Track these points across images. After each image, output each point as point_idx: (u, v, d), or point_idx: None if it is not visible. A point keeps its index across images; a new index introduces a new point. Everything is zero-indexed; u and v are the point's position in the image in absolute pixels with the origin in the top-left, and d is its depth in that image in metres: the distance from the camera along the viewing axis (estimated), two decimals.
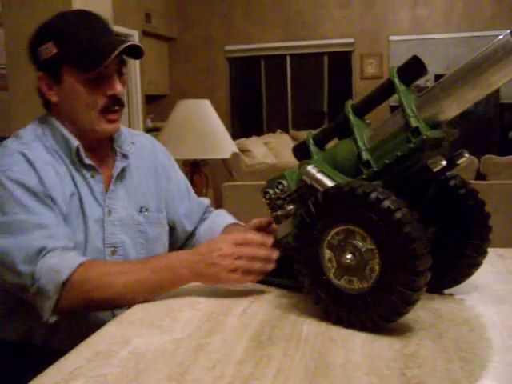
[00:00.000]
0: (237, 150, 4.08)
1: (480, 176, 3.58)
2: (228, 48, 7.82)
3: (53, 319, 1.18)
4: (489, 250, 1.14)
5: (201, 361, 0.85)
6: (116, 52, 1.28)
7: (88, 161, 1.36)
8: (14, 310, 1.36)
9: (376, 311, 0.92)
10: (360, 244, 0.94)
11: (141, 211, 1.46)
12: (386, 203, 0.89)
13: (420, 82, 1.03)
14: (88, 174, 1.37)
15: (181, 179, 1.63)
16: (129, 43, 1.31)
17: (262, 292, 1.19)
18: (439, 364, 0.82)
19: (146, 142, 1.57)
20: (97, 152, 1.41)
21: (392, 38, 7.36)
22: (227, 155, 3.87)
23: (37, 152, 1.31)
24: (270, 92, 8.07)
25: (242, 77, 8.20)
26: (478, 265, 1.12)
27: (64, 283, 1.14)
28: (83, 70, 1.30)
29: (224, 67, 7.89)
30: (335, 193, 0.96)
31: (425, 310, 1.05)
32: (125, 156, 1.45)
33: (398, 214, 0.88)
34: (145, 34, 7.01)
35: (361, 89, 7.32)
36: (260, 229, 1.31)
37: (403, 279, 0.89)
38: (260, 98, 8.06)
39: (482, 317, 1.05)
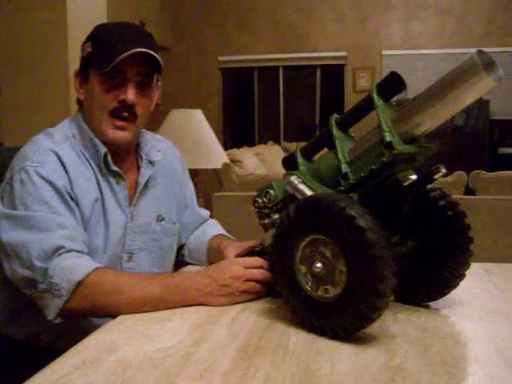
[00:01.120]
0: (228, 161, 4.08)
1: (469, 191, 3.60)
2: (221, 58, 7.84)
3: (57, 320, 1.17)
4: (476, 264, 1.15)
5: (188, 370, 0.86)
6: (125, 54, 1.28)
7: (114, 167, 1.37)
8: (23, 310, 1.36)
9: (345, 318, 0.94)
10: (328, 252, 0.97)
11: (158, 220, 1.47)
12: (349, 212, 0.91)
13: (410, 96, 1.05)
14: (113, 180, 1.38)
15: (189, 189, 1.65)
16: (140, 49, 1.30)
17: (250, 302, 1.19)
18: (424, 377, 0.83)
19: (166, 148, 1.59)
20: (123, 158, 1.42)
21: (384, 52, 7.40)
22: (218, 165, 3.88)
23: (67, 153, 1.32)
24: (262, 103, 8.08)
25: (234, 87, 8.22)
26: (461, 276, 1.14)
27: (78, 283, 1.14)
28: (97, 66, 1.32)
29: (217, 78, 7.91)
30: (304, 203, 1.00)
31: (411, 324, 1.06)
32: (151, 163, 1.46)
33: (361, 221, 0.90)
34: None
35: (353, 102, 7.32)
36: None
37: (365, 296, 0.91)
38: (252, 109, 8.07)
39: (468, 331, 1.06)
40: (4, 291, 1.37)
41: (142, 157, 1.46)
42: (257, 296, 1.20)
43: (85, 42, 1.37)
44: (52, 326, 1.20)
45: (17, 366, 1.33)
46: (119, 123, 1.35)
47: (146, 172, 1.45)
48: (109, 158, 1.36)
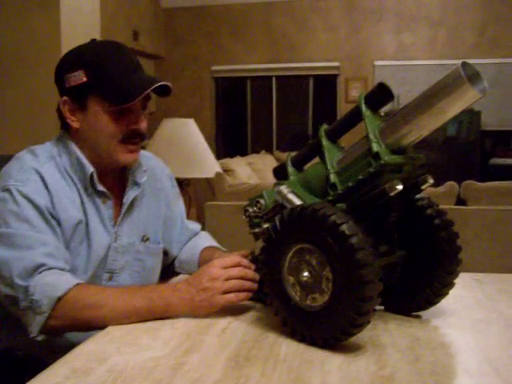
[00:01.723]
0: (220, 170, 4.08)
1: (460, 201, 3.62)
2: (214, 68, 7.85)
3: (40, 337, 1.17)
4: (467, 274, 1.16)
5: (179, 380, 0.85)
6: (146, 91, 1.30)
7: (101, 187, 1.37)
8: (3, 324, 1.35)
9: (334, 325, 0.95)
10: (314, 261, 0.98)
11: (142, 240, 1.47)
12: (332, 219, 0.93)
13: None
14: (99, 201, 1.38)
15: (179, 206, 1.65)
16: (161, 83, 1.32)
17: (241, 312, 1.20)
18: None
19: (154, 165, 1.58)
20: (109, 178, 1.41)
21: (377, 62, 7.43)
22: (211, 175, 3.88)
23: (51, 173, 1.31)
24: (255, 113, 8.09)
25: (227, 97, 8.22)
26: (449, 285, 1.14)
27: (58, 299, 1.14)
28: (113, 103, 1.31)
29: (210, 87, 7.91)
30: (289, 214, 1.00)
31: (401, 334, 1.07)
32: (137, 184, 1.46)
33: (344, 227, 0.92)
34: (132, 51, 6.99)
35: (345, 112, 7.36)
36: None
37: (351, 302, 0.92)
38: (245, 119, 8.08)
39: (458, 341, 1.06)
40: None
41: (127, 177, 1.45)
42: (242, 297, 1.18)
43: (72, 70, 1.32)
44: (28, 342, 1.20)
45: None
46: (132, 147, 1.36)
47: (130, 192, 1.44)
48: (95, 178, 1.35)
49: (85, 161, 1.35)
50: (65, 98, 1.35)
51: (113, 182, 1.43)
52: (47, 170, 1.31)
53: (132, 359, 0.93)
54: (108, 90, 1.30)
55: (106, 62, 1.32)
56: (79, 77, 1.31)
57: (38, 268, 1.18)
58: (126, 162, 1.38)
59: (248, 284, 1.19)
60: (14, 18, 3.18)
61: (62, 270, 1.21)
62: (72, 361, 0.94)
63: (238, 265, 1.21)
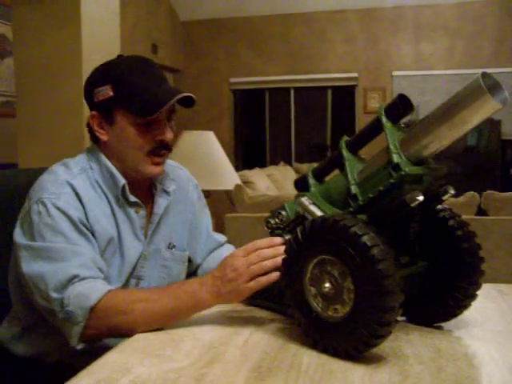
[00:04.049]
0: (240, 182, 4.10)
1: (481, 212, 3.59)
2: (232, 80, 7.89)
3: (80, 346, 1.19)
4: (489, 285, 1.15)
5: None
6: (170, 102, 1.31)
7: (133, 198, 1.39)
8: (31, 330, 1.39)
9: (355, 336, 0.95)
10: (335, 272, 0.98)
11: (169, 247, 1.49)
12: (354, 230, 0.93)
13: (421, 116, 1.06)
14: (132, 210, 1.40)
15: (206, 216, 1.66)
16: (184, 94, 1.33)
17: (262, 323, 1.20)
18: None
19: (181, 174, 1.60)
20: (139, 187, 1.43)
21: (395, 73, 7.42)
22: (230, 187, 3.89)
23: (83, 185, 1.34)
24: (273, 124, 8.10)
25: (245, 109, 8.24)
26: (472, 296, 1.13)
27: (91, 309, 1.16)
28: (138, 115, 1.33)
29: (228, 99, 7.95)
30: (310, 225, 1.01)
31: (424, 345, 1.06)
32: (166, 193, 1.48)
33: (365, 238, 0.92)
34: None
35: (364, 123, 7.29)
36: None
37: (373, 313, 0.92)
38: (263, 130, 8.09)
39: (481, 352, 1.05)
40: (18, 309, 1.40)
41: (155, 185, 1.47)
42: (263, 282, 1.15)
43: (100, 85, 1.35)
44: (59, 347, 1.21)
45: (18, 382, 1.35)
46: (158, 159, 1.38)
47: (161, 201, 1.46)
48: (127, 189, 1.38)
49: (116, 172, 1.37)
50: (93, 112, 1.38)
51: (143, 192, 1.45)
52: (79, 183, 1.33)
53: (155, 370, 0.94)
54: (133, 102, 1.32)
55: (131, 76, 1.34)
56: (106, 91, 1.34)
57: (71, 279, 1.20)
58: (152, 174, 1.40)
59: (269, 264, 1.15)
60: (35, 32, 3.24)
61: (95, 278, 1.23)
62: (96, 371, 0.95)
63: (257, 247, 1.18)
